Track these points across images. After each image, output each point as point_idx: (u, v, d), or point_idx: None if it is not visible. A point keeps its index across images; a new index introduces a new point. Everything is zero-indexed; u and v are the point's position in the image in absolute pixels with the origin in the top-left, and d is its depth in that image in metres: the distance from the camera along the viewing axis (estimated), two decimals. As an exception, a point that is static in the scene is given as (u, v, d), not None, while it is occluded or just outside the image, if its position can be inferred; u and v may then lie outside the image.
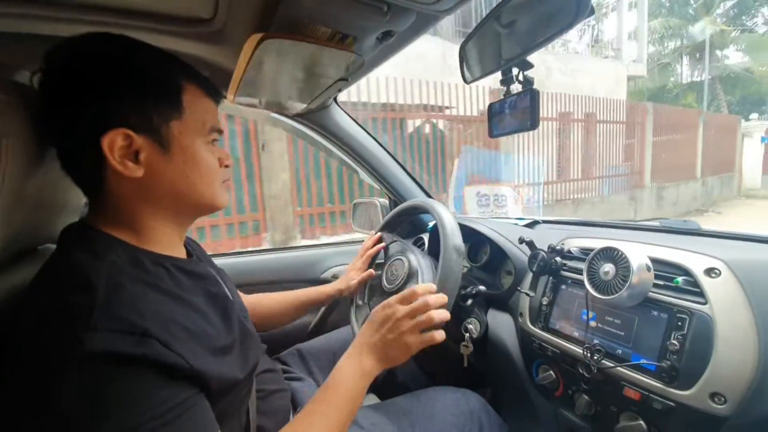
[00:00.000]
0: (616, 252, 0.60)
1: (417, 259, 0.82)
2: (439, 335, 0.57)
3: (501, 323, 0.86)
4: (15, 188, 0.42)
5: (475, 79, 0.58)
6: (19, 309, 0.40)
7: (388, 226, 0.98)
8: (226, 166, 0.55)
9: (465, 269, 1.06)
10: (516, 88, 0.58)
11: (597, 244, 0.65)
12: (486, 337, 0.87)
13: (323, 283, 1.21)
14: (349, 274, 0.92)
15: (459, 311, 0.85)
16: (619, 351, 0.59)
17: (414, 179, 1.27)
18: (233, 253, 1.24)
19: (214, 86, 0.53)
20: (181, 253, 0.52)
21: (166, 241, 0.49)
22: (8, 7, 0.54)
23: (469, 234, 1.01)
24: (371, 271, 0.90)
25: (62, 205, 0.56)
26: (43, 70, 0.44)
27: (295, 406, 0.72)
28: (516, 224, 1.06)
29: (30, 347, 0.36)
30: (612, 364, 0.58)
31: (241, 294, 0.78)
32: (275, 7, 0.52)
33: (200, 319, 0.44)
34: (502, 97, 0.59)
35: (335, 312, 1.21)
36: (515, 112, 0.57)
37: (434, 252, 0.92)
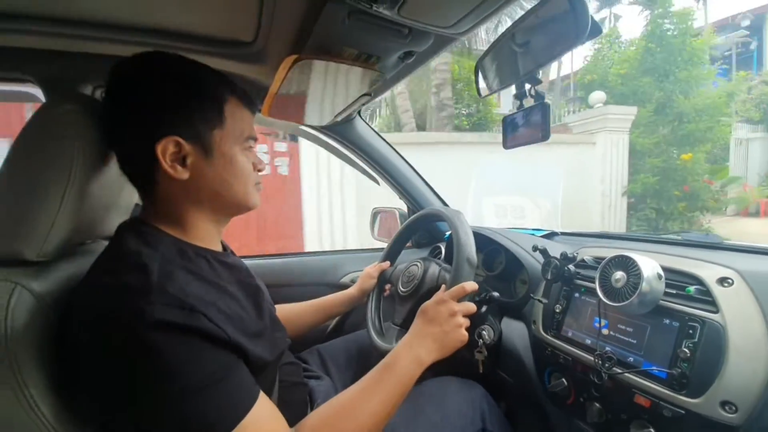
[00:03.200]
0: (627, 260, 0.61)
1: (430, 262, 0.85)
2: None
3: (514, 331, 0.87)
4: (81, 187, 0.49)
5: (490, 93, 0.63)
6: (77, 292, 0.46)
7: (399, 243, 1.02)
8: (259, 171, 0.61)
9: (480, 278, 1.08)
10: (528, 102, 0.62)
11: (610, 253, 0.67)
12: (500, 344, 0.88)
13: (342, 287, 1.26)
14: (365, 274, 0.96)
15: (473, 317, 0.86)
16: (631, 359, 0.60)
17: (432, 189, 1.31)
18: (256, 256, 1.30)
19: (252, 99, 0.59)
20: (218, 248, 0.58)
21: (206, 236, 0.55)
22: (73, 29, 0.63)
23: (484, 242, 1.04)
24: (387, 262, 0.96)
25: (116, 204, 0.62)
26: (108, 84, 0.51)
27: (312, 402, 0.76)
28: (533, 235, 1.08)
29: (93, 320, 0.41)
30: (623, 371, 0.59)
31: None
32: (309, 32, 0.58)
33: (235, 305, 0.50)
34: (515, 110, 0.63)
35: (353, 315, 1.24)
36: (528, 125, 0.60)
37: (451, 261, 0.95)
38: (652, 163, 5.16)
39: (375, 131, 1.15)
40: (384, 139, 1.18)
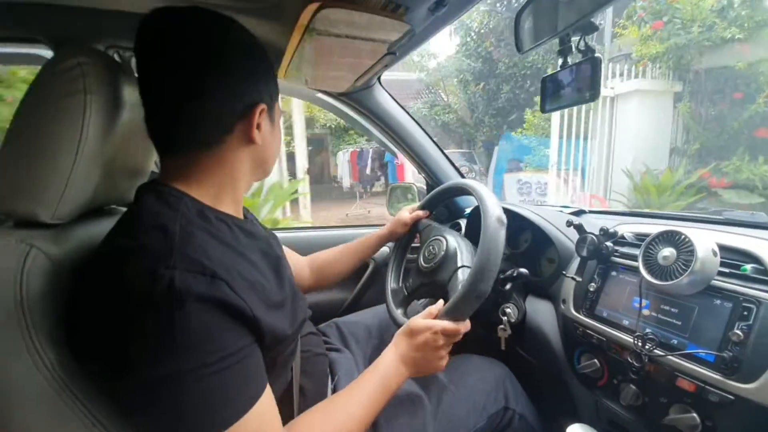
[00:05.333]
0: (678, 236, 0.56)
1: (455, 239, 0.81)
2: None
3: (539, 310, 0.84)
4: (95, 145, 0.46)
5: (530, 49, 0.56)
6: (95, 254, 0.43)
7: (427, 207, 0.98)
8: None
9: (504, 255, 1.04)
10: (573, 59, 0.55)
11: (652, 229, 0.62)
12: (523, 323, 0.85)
13: (367, 262, 1.24)
14: (399, 218, 0.91)
15: (496, 295, 0.83)
16: (674, 341, 0.56)
17: (452, 163, 1.26)
18: (281, 229, 1.29)
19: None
20: (239, 215, 0.55)
21: (230, 202, 0.53)
22: None
23: (509, 219, 0.98)
24: (427, 211, 0.92)
25: (134, 169, 0.60)
26: (160, 42, 0.45)
27: (333, 373, 0.75)
28: (561, 212, 1.02)
29: (109, 285, 0.39)
30: (665, 353, 0.55)
31: (294, 254, 0.85)
32: (331, -23, 0.52)
33: (257, 273, 0.47)
34: (558, 69, 0.56)
35: (370, 290, 1.23)
36: (573, 84, 0.54)
37: (471, 236, 0.91)
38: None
39: (395, 100, 1.09)
40: (404, 109, 1.12)
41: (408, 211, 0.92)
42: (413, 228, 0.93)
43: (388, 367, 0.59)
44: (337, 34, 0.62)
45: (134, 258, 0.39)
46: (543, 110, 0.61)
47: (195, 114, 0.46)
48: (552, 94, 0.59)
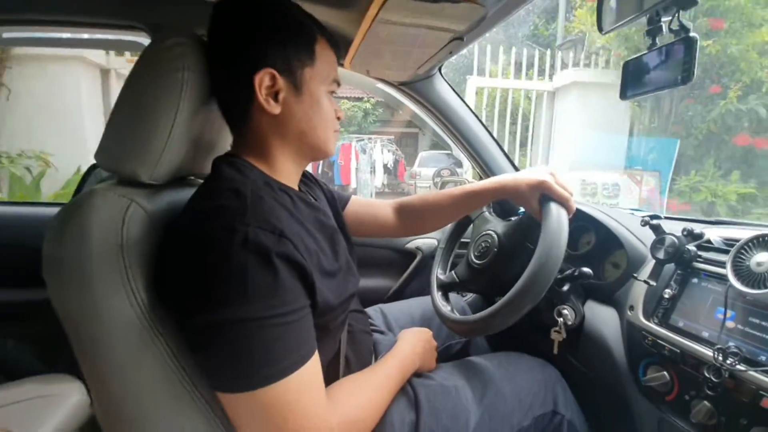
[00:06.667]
0: (777, 240, 0.49)
1: (506, 238, 0.78)
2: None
3: (600, 316, 0.78)
4: (188, 116, 0.51)
5: (612, 29, 0.52)
6: (182, 211, 0.49)
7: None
8: (338, 118, 0.61)
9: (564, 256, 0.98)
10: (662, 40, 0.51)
11: (744, 234, 0.55)
12: (580, 329, 0.80)
13: (407, 252, 1.24)
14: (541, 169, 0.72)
15: (552, 296, 0.79)
16: (762, 357, 0.50)
17: (510, 160, 1.21)
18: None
19: (338, 42, 0.58)
20: (297, 188, 0.59)
21: (288, 174, 0.57)
22: None
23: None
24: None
25: (218, 144, 0.66)
26: (211, 23, 0.53)
27: (377, 352, 0.76)
28: (632, 215, 0.94)
29: (191, 237, 0.44)
30: (748, 369, 0.49)
31: (374, 201, 0.86)
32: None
33: (313, 242, 0.50)
34: (645, 50, 0.52)
35: (416, 280, 1.23)
36: (662, 67, 0.50)
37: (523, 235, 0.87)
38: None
39: (455, 91, 1.08)
40: (463, 101, 1.10)
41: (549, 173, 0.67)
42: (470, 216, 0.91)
43: (406, 355, 0.66)
44: (407, 22, 0.62)
45: (214, 215, 0.43)
46: (623, 96, 0.57)
47: (222, 89, 0.53)
48: (634, 79, 0.55)
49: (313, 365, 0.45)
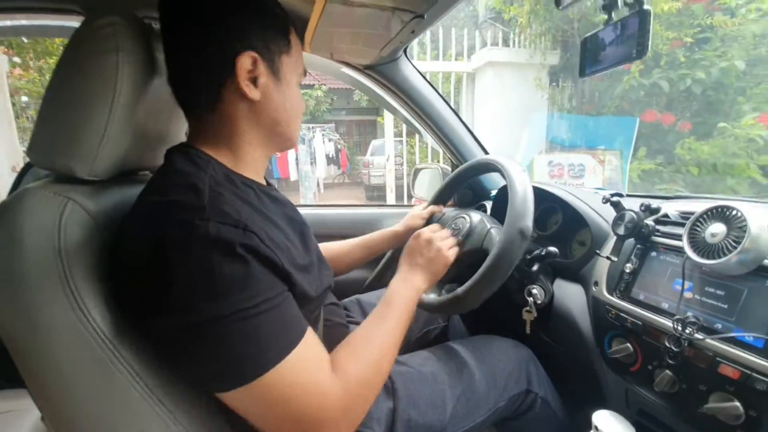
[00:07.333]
0: (728, 211, 0.51)
1: (478, 213, 0.79)
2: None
3: (568, 293, 0.80)
4: (127, 102, 0.47)
5: (571, 3, 0.52)
6: (132, 208, 0.45)
7: (442, 197, 0.96)
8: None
9: (531, 238, 1.00)
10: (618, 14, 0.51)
11: (703, 205, 0.56)
12: (550, 306, 0.82)
13: None
14: (413, 213, 0.93)
15: (522, 276, 0.80)
16: (719, 325, 0.51)
17: (479, 143, 1.21)
18: (300, 206, 1.30)
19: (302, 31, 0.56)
20: (262, 182, 0.56)
21: (254, 167, 0.53)
22: None
23: (539, 198, 0.94)
24: (438, 206, 0.93)
25: (167, 135, 0.61)
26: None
27: None
28: (596, 193, 0.96)
29: (148, 233, 0.40)
30: (705, 337, 0.50)
31: None
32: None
33: (283, 236, 0.47)
34: (601, 27, 0.52)
35: (391, 271, 1.22)
36: (618, 41, 0.49)
37: (498, 218, 0.88)
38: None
39: (421, 74, 1.05)
40: (430, 84, 1.08)
41: (421, 209, 0.94)
42: (429, 221, 0.93)
43: (400, 285, 0.64)
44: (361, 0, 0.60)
45: (169, 212, 0.40)
46: (582, 74, 0.57)
47: (188, 70, 0.48)
48: (591, 56, 0.55)
49: (306, 345, 0.43)
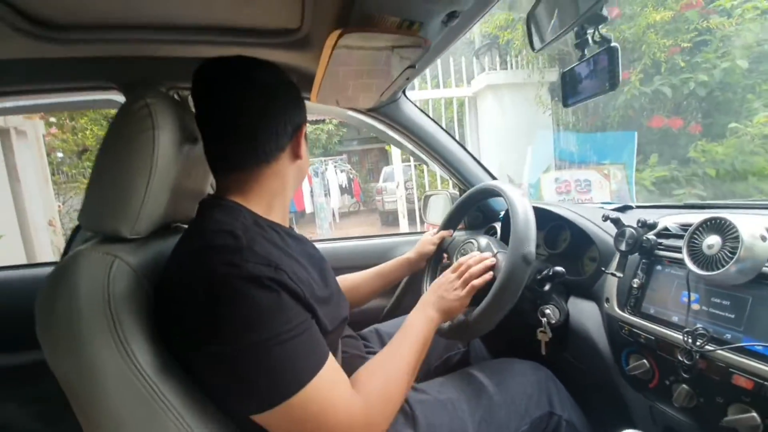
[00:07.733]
0: (721, 222, 0.53)
1: (486, 238, 0.82)
2: (480, 280, 0.72)
3: (584, 311, 0.80)
4: (162, 171, 0.54)
5: (544, 45, 0.57)
6: (172, 256, 0.52)
7: (451, 222, 1.00)
8: None
9: (542, 257, 1.01)
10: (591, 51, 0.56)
11: (699, 218, 0.58)
12: (566, 325, 0.82)
13: None
14: (425, 240, 0.97)
15: (535, 297, 0.82)
16: (728, 335, 0.52)
17: (484, 168, 1.26)
18: (318, 240, 1.36)
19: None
20: (286, 224, 0.63)
21: (279, 212, 0.61)
22: (143, 34, 0.69)
23: (546, 218, 0.97)
24: (447, 231, 0.96)
25: (194, 191, 0.69)
26: (219, 81, 0.55)
27: None
28: (602, 207, 0.98)
29: (189, 276, 0.46)
30: (716, 348, 0.51)
31: None
32: (351, 6, 0.58)
33: (304, 272, 0.53)
34: (576, 62, 0.57)
35: (408, 296, 1.24)
36: (592, 75, 0.54)
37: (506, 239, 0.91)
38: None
39: (421, 110, 1.13)
40: (431, 118, 1.15)
41: (431, 234, 0.99)
42: (440, 246, 0.96)
43: (416, 317, 0.68)
44: (360, 56, 0.67)
45: (212, 254, 0.46)
46: (565, 105, 0.61)
47: (257, 134, 0.56)
48: (571, 88, 0.59)
49: (331, 366, 0.49)
